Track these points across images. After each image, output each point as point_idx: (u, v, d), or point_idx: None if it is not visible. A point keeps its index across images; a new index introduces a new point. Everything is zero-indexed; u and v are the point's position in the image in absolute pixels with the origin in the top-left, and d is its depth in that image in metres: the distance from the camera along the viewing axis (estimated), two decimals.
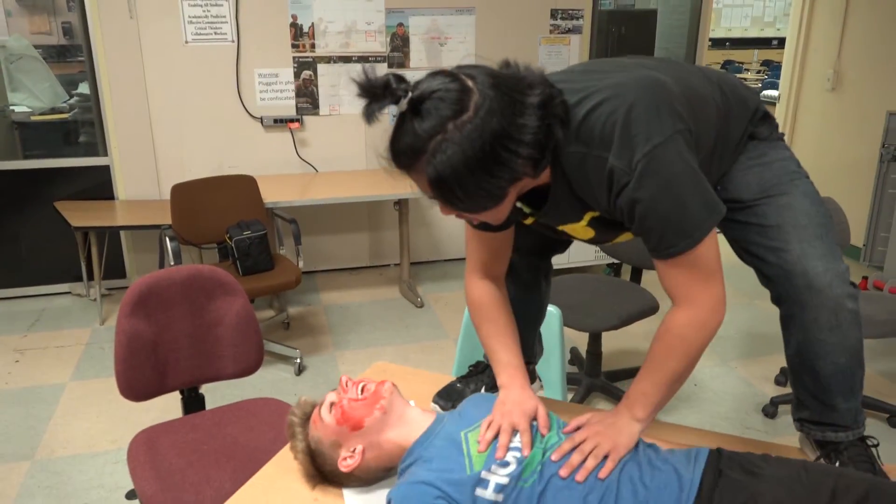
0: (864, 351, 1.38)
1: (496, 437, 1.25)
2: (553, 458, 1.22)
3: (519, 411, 1.30)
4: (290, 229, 3.65)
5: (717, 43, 11.97)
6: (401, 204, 4.15)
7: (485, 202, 1.12)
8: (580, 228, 1.35)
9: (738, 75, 10.46)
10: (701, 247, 1.17)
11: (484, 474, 1.20)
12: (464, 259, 5.00)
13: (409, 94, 1.06)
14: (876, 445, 1.43)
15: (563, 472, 1.19)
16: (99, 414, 3.06)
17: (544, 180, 1.23)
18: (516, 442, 1.26)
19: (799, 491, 1.14)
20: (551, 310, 2.13)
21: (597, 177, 1.17)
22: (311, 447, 1.35)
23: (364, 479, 1.35)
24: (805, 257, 1.31)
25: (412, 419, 1.35)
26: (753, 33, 12.18)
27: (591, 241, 1.44)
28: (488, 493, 1.18)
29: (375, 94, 1.06)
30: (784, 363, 1.45)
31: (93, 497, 2.53)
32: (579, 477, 1.18)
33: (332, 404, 1.36)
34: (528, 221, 1.41)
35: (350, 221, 4.60)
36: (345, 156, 4.43)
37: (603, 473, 1.19)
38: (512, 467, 1.21)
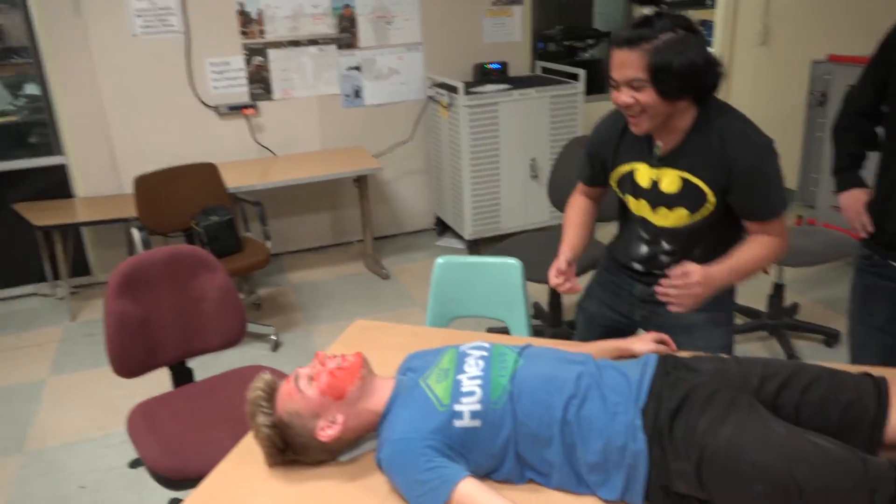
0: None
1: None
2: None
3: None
4: (255, 212, 3.74)
5: (654, 5, 12.22)
6: (360, 181, 4.26)
7: (672, 92, 1.54)
8: (674, 175, 1.69)
9: None
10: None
11: (456, 407, 1.33)
12: (424, 230, 5.13)
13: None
14: None
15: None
16: (83, 405, 3.13)
17: (683, 128, 1.64)
18: (472, 368, 1.39)
19: (732, 379, 1.33)
20: (512, 262, 2.30)
21: (729, 142, 1.60)
22: (284, 420, 1.38)
23: (332, 451, 1.42)
24: None
25: (382, 387, 1.45)
26: None
27: (665, 200, 1.73)
28: (465, 421, 1.32)
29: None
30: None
31: (89, 479, 2.63)
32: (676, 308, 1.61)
33: (309, 377, 1.41)
34: (643, 169, 1.75)
35: (311, 202, 4.70)
36: (301, 138, 4.52)
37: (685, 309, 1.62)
38: (478, 394, 1.34)
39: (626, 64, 1.54)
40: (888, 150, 1.76)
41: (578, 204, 2.02)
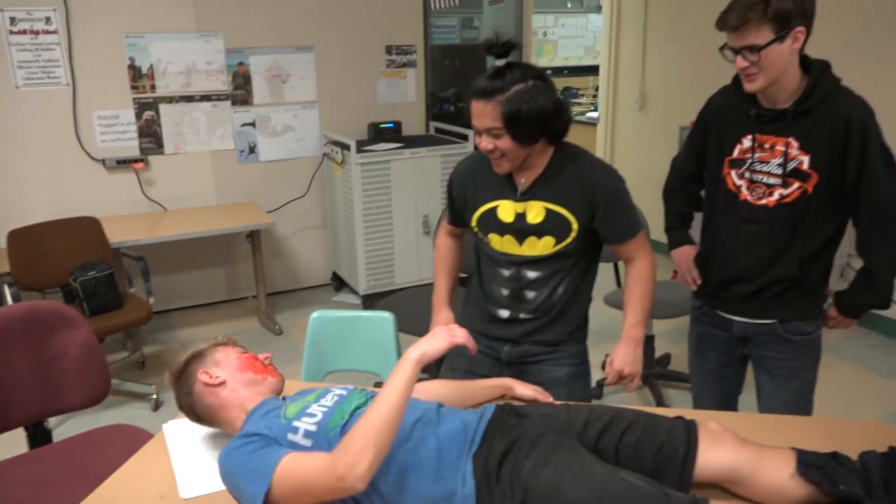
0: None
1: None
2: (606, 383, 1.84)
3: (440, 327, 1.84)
4: (139, 268, 3.67)
5: (557, 71, 12.85)
6: (252, 236, 4.26)
7: (527, 137, 1.70)
8: (539, 206, 1.82)
9: (574, 100, 11.35)
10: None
11: (295, 423, 1.41)
12: (321, 286, 5.11)
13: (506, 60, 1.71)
14: None
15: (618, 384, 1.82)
16: None
17: (542, 165, 1.80)
18: (327, 401, 1.49)
19: (559, 424, 1.42)
20: (386, 315, 2.36)
21: (587, 172, 1.79)
22: (203, 349, 1.64)
23: (196, 407, 1.58)
24: None
25: (263, 396, 1.57)
26: (588, 61, 13.22)
27: (533, 230, 1.83)
28: (298, 437, 1.39)
29: (495, 51, 1.73)
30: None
31: None
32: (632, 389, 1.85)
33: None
34: (505, 205, 1.86)
35: (203, 257, 4.64)
36: (194, 193, 4.49)
37: (633, 389, 1.85)
38: (318, 417, 1.43)
39: (483, 114, 1.68)
40: (708, 209, 1.95)
41: (445, 247, 2.14)
